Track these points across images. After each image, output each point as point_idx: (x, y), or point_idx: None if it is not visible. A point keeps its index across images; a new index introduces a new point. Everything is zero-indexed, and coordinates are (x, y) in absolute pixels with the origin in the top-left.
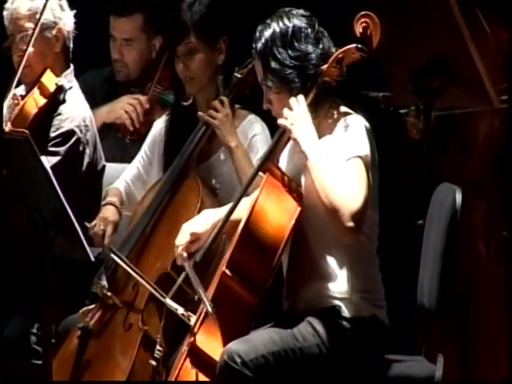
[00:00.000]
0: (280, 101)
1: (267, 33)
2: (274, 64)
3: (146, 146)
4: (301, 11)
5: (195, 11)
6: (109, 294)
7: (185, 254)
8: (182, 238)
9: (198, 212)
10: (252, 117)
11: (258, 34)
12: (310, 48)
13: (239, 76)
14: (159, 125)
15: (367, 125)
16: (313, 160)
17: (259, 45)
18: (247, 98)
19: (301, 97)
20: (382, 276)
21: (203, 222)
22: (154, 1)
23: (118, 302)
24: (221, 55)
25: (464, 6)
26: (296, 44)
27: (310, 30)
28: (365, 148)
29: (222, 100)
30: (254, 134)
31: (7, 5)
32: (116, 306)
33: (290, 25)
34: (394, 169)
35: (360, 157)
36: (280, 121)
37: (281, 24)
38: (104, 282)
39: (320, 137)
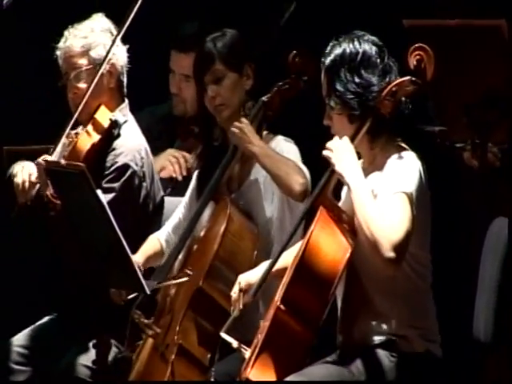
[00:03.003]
0: (340, 122)
1: (337, 51)
2: (338, 85)
3: (187, 195)
4: (374, 38)
5: (219, 41)
6: (147, 322)
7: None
8: (237, 288)
9: (226, 228)
10: (279, 137)
11: (328, 49)
12: (375, 80)
13: (264, 99)
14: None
15: (419, 163)
16: (355, 192)
17: (327, 61)
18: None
19: (345, 137)
20: (437, 308)
21: (258, 272)
22: None
23: (158, 329)
24: (248, 80)
25: None
26: (363, 71)
27: (378, 61)
28: (411, 185)
29: (241, 119)
30: (281, 151)
31: (60, 44)
32: (155, 333)
33: (361, 50)
34: (450, 203)
35: (405, 193)
36: (325, 152)
37: (351, 46)
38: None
39: (374, 170)
